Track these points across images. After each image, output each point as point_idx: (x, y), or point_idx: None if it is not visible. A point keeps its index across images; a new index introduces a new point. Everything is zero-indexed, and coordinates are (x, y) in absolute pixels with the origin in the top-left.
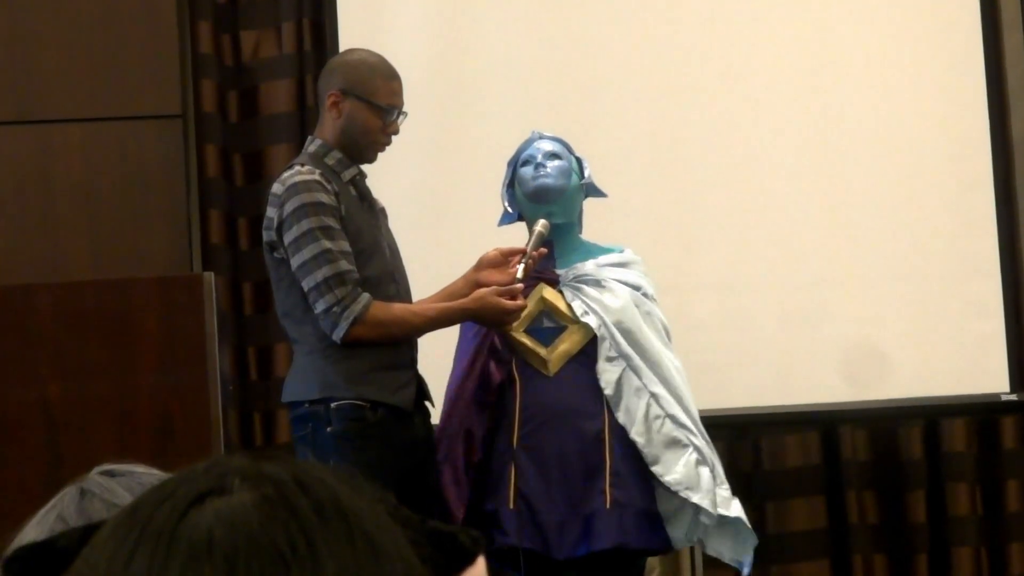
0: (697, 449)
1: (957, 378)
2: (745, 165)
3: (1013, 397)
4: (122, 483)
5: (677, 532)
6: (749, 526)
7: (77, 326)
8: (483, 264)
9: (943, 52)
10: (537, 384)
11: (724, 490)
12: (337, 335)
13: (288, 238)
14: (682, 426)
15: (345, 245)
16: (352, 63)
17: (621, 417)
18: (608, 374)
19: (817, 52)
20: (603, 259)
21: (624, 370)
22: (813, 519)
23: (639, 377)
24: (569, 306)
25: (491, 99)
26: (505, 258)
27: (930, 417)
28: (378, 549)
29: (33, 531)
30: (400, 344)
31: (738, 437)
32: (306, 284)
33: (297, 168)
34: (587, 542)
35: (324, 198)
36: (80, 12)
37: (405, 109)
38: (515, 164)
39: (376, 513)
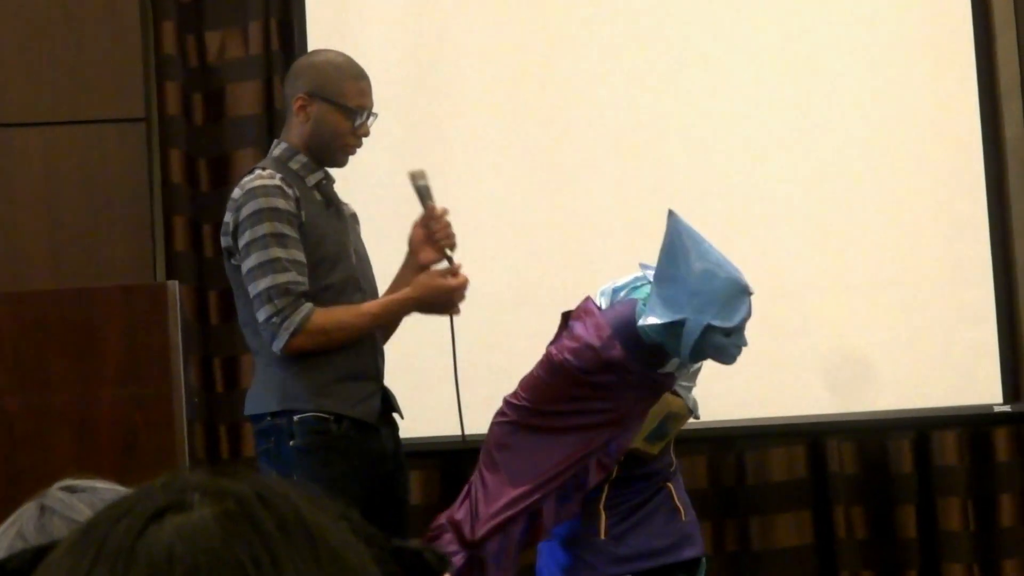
0: None
1: (948, 388)
2: (724, 167)
3: (1006, 408)
4: (84, 499)
5: None
6: None
7: (37, 336)
8: (415, 245)
9: (933, 51)
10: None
11: None
12: (276, 347)
13: (241, 243)
14: None
15: (298, 254)
16: (318, 65)
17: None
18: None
19: (801, 52)
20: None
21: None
22: (799, 535)
23: None
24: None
25: (464, 100)
26: (428, 227)
27: (920, 429)
28: (343, 565)
29: None
30: (363, 355)
31: (721, 451)
32: (251, 292)
33: (258, 172)
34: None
35: (282, 204)
36: (39, 13)
37: (376, 110)
38: (723, 316)
39: (340, 529)
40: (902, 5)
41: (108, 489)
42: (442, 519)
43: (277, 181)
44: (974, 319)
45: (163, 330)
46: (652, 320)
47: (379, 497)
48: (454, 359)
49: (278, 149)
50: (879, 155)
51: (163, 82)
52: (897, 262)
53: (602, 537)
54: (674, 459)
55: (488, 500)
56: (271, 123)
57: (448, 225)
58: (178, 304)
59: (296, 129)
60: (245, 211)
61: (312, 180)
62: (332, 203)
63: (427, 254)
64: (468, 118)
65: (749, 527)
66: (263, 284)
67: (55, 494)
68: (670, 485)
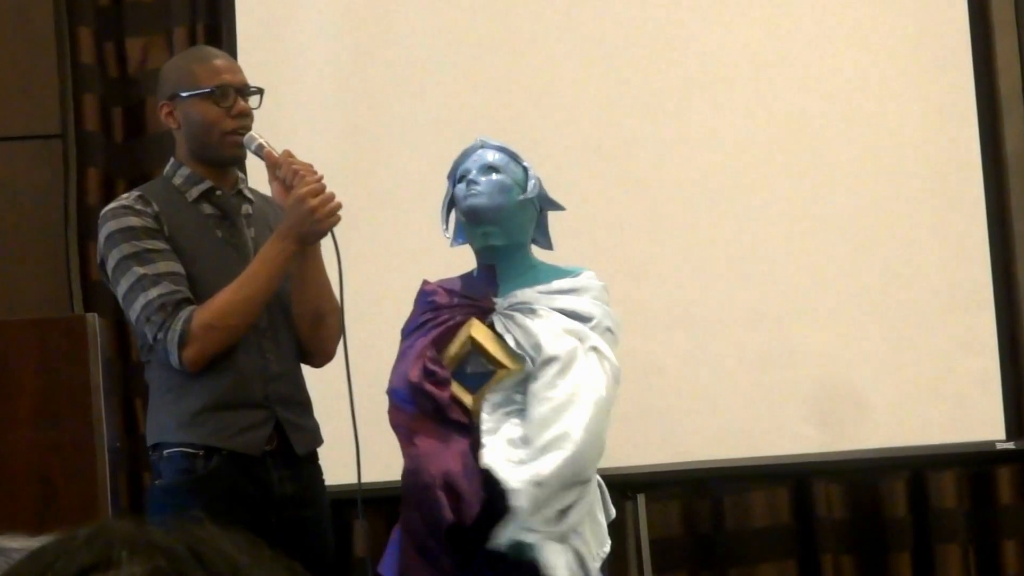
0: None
1: (945, 424)
2: (703, 185)
3: (1010, 445)
4: None
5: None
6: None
7: None
8: (279, 201)
9: (927, 57)
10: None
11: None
12: (176, 363)
13: (108, 272)
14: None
15: (167, 265)
16: (167, 67)
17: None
18: (494, 398)
19: (787, 61)
20: (548, 285)
21: (515, 411)
22: None
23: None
24: (499, 345)
25: (410, 106)
26: (278, 177)
27: (915, 469)
28: None
29: None
30: (246, 378)
31: (697, 494)
32: (130, 319)
33: (119, 198)
34: None
35: (135, 221)
36: None
37: (256, 86)
38: (453, 179)
39: None
40: (892, 6)
41: (22, 549)
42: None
43: (128, 201)
44: (974, 348)
45: (82, 368)
46: None
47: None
48: (350, 392)
49: (167, 167)
50: (870, 170)
51: (80, 95)
52: (890, 286)
53: None
54: None
55: None
56: None
57: (290, 164)
58: (98, 339)
59: (176, 140)
60: (101, 239)
61: (195, 193)
62: (229, 215)
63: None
64: (416, 130)
65: None
66: (137, 308)
67: None
68: None
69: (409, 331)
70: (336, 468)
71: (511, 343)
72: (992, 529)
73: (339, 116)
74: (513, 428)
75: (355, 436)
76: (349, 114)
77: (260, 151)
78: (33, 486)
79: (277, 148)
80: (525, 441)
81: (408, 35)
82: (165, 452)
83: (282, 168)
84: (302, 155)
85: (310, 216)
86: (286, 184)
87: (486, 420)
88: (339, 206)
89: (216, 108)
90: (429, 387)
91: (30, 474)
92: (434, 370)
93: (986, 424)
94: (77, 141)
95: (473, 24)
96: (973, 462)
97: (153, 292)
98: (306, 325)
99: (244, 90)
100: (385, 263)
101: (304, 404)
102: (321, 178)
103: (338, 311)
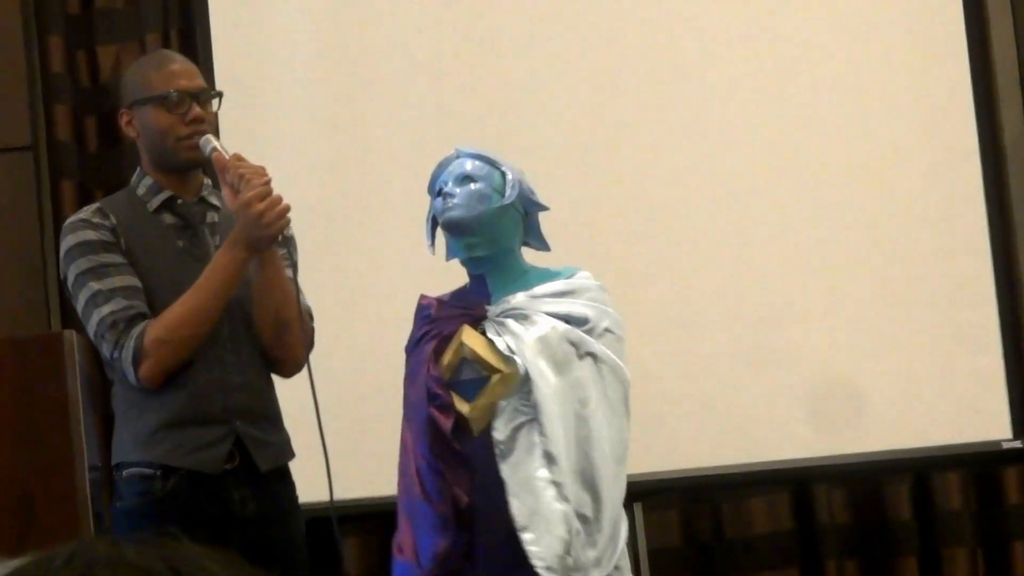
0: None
1: (949, 424)
2: (695, 179)
3: (1017, 444)
4: None
5: None
6: None
7: None
8: (232, 206)
9: (922, 48)
10: (464, 446)
11: None
12: (133, 381)
13: (69, 288)
14: (562, 498)
15: (122, 279)
16: (125, 75)
17: (505, 472)
18: (505, 417)
19: (780, 54)
20: (541, 288)
21: (527, 422)
22: None
23: (539, 433)
24: (493, 351)
25: (390, 107)
26: (228, 183)
27: (919, 471)
28: None
29: None
30: (205, 393)
31: (695, 502)
32: (90, 337)
33: (80, 210)
34: None
35: (91, 235)
36: None
37: (215, 90)
38: (433, 192)
39: None
40: (889, 4)
41: None
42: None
43: (86, 215)
44: (977, 345)
45: (60, 386)
46: None
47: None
48: (316, 408)
49: (133, 177)
50: (865, 163)
51: (51, 105)
52: (889, 283)
53: None
54: None
55: None
56: None
57: (238, 168)
58: (76, 356)
59: (139, 150)
60: (62, 256)
61: (156, 203)
62: (191, 224)
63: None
64: (397, 133)
65: None
66: (92, 325)
67: None
68: None
69: (412, 347)
70: (316, 488)
71: (502, 347)
72: (1000, 530)
73: (316, 118)
74: (530, 443)
75: (324, 451)
76: (326, 116)
77: (212, 155)
78: (12, 505)
79: (229, 151)
80: (550, 458)
81: (386, 36)
82: (124, 473)
83: (230, 172)
84: (278, 158)
85: (257, 221)
86: (234, 188)
87: (500, 441)
88: (287, 209)
89: (167, 114)
90: (434, 413)
91: (10, 493)
92: (438, 393)
93: (991, 423)
94: (49, 152)
95: (456, 23)
96: (978, 462)
97: (105, 309)
98: (268, 332)
99: (200, 95)
100: (362, 269)
101: (270, 417)
102: (269, 181)
103: (303, 319)
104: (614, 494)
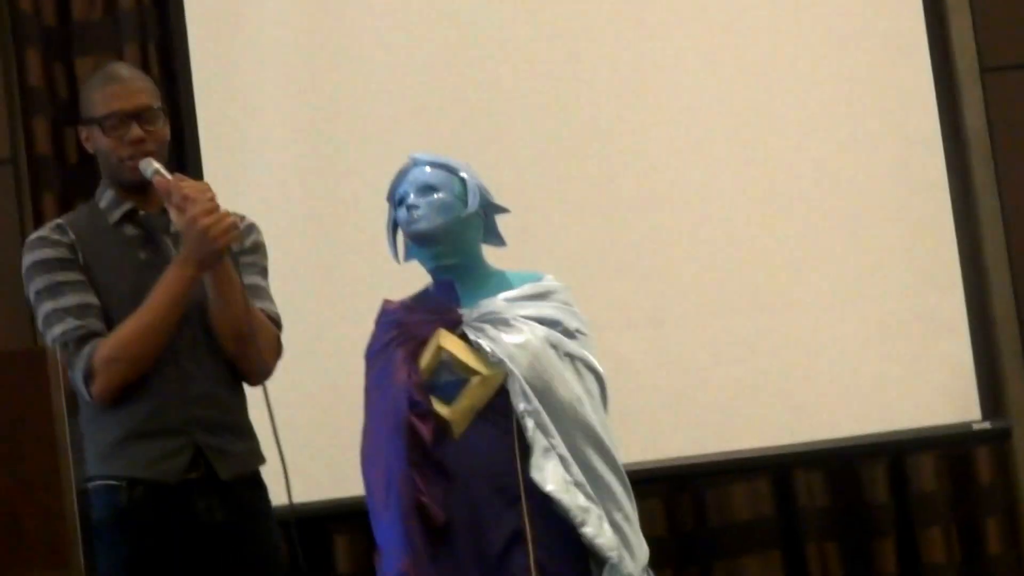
0: (614, 524)
1: (921, 407)
2: (669, 177)
3: (986, 425)
4: None
5: None
6: None
7: None
8: (181, 228)
9: (882, 40)
10: (445, 449)
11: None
12: (87, 399)
13: (32, 307)
14: (589, 497)
15: (76, 297)
16: (81, 91)
17: (535, 474)
18: (529, 420)
19: (744, 50)
20: (513, 292)
21: (534, 426)
22: None
23: (546, 436)
24: (472, 354)
25: (369, 114)
26: (178, 188)
27: (894, 454)
28: None
29: None
30: (165, 404)
31: (677, 491)
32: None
33: (41, 227)
34: None
35: (48, 253)
36: None
37: (159, 106)
38: (393, 201)
39: None
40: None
41: None
42: None
43: (45, 232)
44: (945, 329)
45: (44, 401)
46: None
47: None
48: (271, 417)
49: (97, 189)
50: (831, 157)
51: (30, 118)
52: (858, 272)
53: None
54: None
55: None
56: None
57: (180, 188)
58: (60, 372)
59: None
60: (23, 275)
61: (117, 215)
62: (154, 236)
63: (195, 207)
64: (377, 141)
65: (713, 574)
66: (49, 343)
67: None
68: None
69: (374, 352)
70: (306, 486)
71: (487, 350)
72: (973, 509)
73: (294, 127)
74: (545, 444)
75: (280, 457)
76: (305, 124)
77: (153, 178)
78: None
79: (169, 173)
80: (565, 461)
81: (363, 46)
82: (91, 485)
83: (173, 193)
84: (257, 167)
85: (203, 236)
86: (179, 209)
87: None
88: (233, 224)
89: (108, 137)
90: (414, 419)
91: None
92: (419, 400)
93: (961, 405)
94: (29, 165)
95: (431, 30)
96: (951, 444)
97: (57, 329)
98: (230, 345)
99: (141, 114)
100: (331, 278)
101: (232, 426)
102: (213, 197)
103: (266, 327)
104: (610, 477)
